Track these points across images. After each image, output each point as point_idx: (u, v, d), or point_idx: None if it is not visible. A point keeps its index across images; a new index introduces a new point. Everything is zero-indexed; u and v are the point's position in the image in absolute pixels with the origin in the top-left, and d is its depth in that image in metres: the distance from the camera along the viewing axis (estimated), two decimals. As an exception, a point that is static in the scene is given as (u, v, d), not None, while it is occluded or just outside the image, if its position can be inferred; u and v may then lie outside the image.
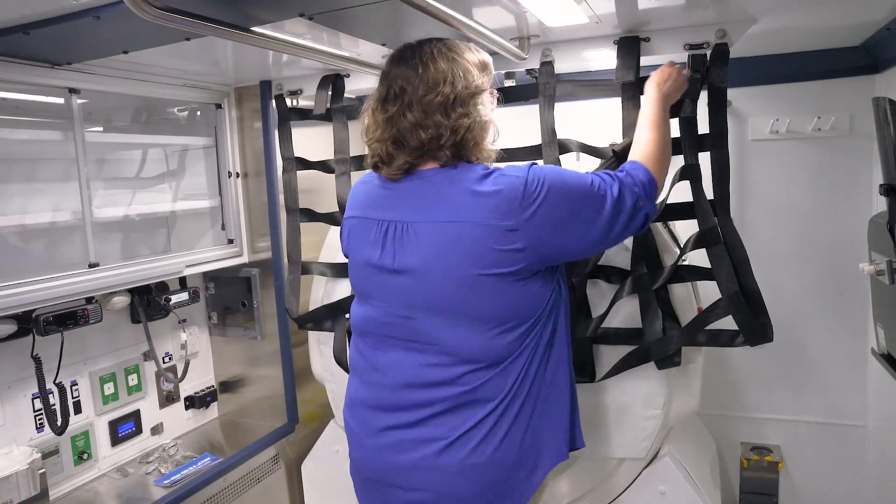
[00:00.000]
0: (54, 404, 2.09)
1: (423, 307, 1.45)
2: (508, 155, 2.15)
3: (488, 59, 1.57)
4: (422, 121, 1.42)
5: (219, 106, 2.59)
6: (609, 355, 2.04)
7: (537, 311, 1.47)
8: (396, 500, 1.51)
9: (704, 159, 1.95)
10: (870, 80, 2.49)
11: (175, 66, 2.29)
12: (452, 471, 1.44)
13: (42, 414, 2.13)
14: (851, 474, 2.70)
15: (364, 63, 2.11)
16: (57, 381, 2.08)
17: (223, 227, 2.63)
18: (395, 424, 1.49)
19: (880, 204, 2.43)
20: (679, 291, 2.02)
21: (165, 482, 2.26)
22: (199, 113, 2.65)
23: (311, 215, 2.51)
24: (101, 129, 2.32)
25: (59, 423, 2.06)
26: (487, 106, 1.51)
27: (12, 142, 2.03)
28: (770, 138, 2.64)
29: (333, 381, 2.49)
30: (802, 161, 2.63)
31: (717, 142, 1.93)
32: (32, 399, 2.11)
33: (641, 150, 1.64)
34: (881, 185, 2.22)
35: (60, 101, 2.03)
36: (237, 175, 2.65)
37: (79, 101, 2.04)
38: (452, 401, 1.45)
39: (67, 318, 2.02)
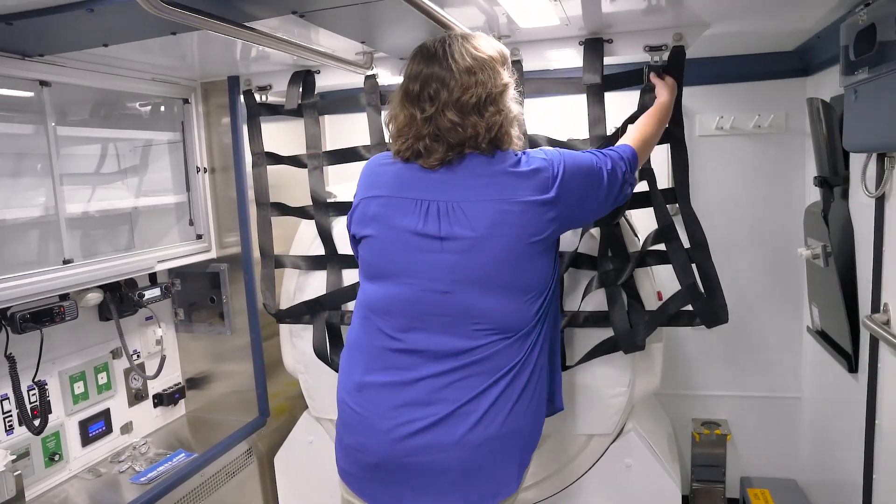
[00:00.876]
0: (33, 403, 2.04)
1: (467, 280, 1.54)
2: None
3: (506, 50, 1.68)
4: (460, 121, 1.53)
5: (186, 101, 2.57)
6: (579, 339, 2.17)
7: (550, 281, 1.65)
8: (413, 483, 1.55)
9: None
10: (801, 82, 2.72)
11: (144, 60, 2.27)
12: (473, 444, 1.52)
13: (10, 416, 2.07)
14: (788, 441, 2.95)
15: (341, 59, 2.15)
16: (36, 380, 2.03)
17: (191, 223, 2.61)
18: (414, 401, 1.54)
19: (813, 194, 2.68)
20: (644, 282, 2.18)
21: (142, 479, 2.24)
22: (162, 108, 2.62)
23: (283, 209, 2.53)
24: (56, 123, 2.26)
25: (37, 422, 2.01)
26: (513, 99, 1.63)
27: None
28: (715, 134, 2.85)
29: (307, 373, 2.52)
30: (744, 155, 2.85)
31: (676, 134, 2.09)
32: (1, 400, 2.05)
33: (636, 132, 1.90)
34: (815, 177, 2.45)
35: (31, 94, 1.98)
36: (204, 170, 2.63)
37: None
38: (472, 369, 1.54)
39: (44, 315, 1.98)
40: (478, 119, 1.54)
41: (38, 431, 2.01)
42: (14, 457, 1.92)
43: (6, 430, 2.07)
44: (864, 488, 2.10)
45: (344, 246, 2.32)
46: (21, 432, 2.10)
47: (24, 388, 2.04)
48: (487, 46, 1.61)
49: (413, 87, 1.57)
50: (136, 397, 2.59)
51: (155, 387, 2.68)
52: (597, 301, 2.15)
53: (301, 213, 2.49)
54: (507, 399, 1.57)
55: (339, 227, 2.41)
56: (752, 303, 2.92)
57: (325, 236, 2.42)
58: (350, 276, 2.39)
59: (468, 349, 1.56)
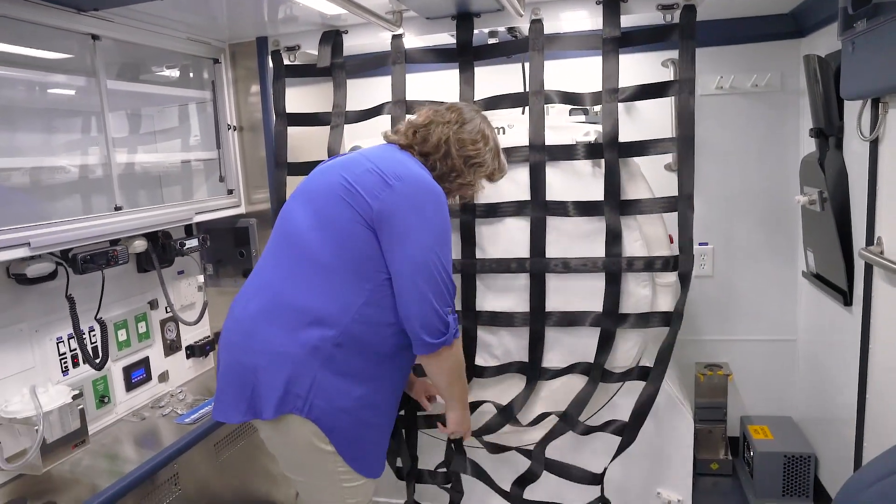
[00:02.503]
0: (95, 342, 2.17)
1: None
2: (493, 103, 2.40)
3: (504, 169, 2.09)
4: (447, 141, 1.88)
5: (216, 61, 2.67)
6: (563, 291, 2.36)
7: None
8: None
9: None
10: (796, 43, 2.91)
11: (178, 19, 2.36)
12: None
13: (65, 358, 2.18)
14: (784, 380, 3.17)
15: (375, 14, 2.27)
16: (98, 318, 2.14)
17: (221, 179, 2.72)
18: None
19: (806, 149, 2.87)
20: (656, 232, 2.35)
21: (187, 420, 2.36)
22: (191, 73, 2.71)
23: (297, 168, 2.64)
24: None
25: (98, 359, 2.12)
26: (481, 178, 2.00)
27: (35, 92, 2.07)
28: (716, 93, 3.03)
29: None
30: (743, 113, 3.03)
31: (684, 88, 2.25)
32: (57, 343, 2.15)
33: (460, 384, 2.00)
34: (811, 129, 2.64)
35: (84, 49, 2.07)
36: (234, 128, 2.74)
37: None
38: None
39: (100, 257, 2.08)
40: (454, 158, 1.88)
41: (99, 367, 2.12)
42: (77, 392, 2.03)
43: (62, 372, 2.17)
44: (858, 408, 2.30)
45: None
46: (76, 373, 2.21)
47: (86, 328, 2.18)
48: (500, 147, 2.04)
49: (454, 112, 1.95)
50: (171, 348, 2.70)
51: (187, 339, 2.79)
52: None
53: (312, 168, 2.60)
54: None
55: None
56: (750, 251, 3.12)
57: None
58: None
59: None
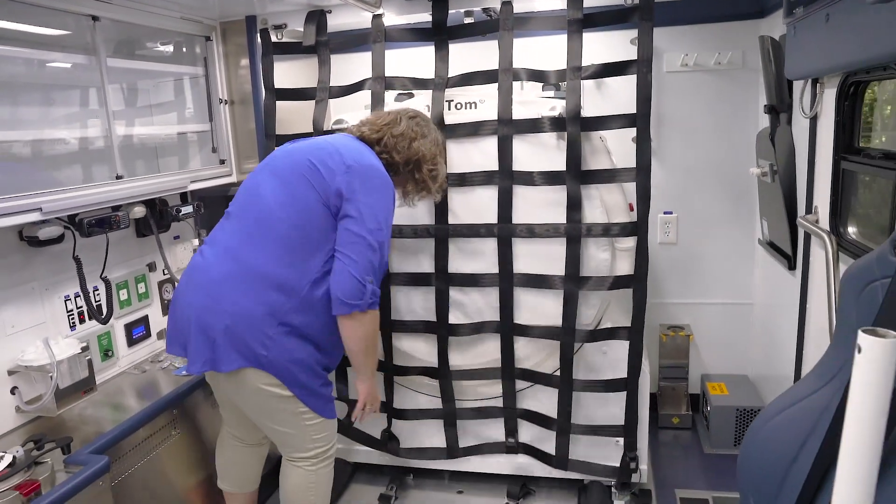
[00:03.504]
0: (99, 300, 2.39)
1: None
2: (466, 79, 2.58)
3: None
4: (418, 159, 2.18)
5: (208, 38, 2.83)
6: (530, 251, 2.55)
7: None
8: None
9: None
10: (757, 23, 3.07)
11: (171, -1, 2.53)
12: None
13: (72, 315, 2.38)
14: (741, 340, 3.41)
15: (357, -2, 2.43)
16: (103, 276, 2.34)
17: (214, 150, 2.90)
18: None
19: (763, 122, 3.05)
20: (615, 200, 2.54)
21: (184, 372, 2.57)
22: (184, 48, 2.87)
23: (285, 140, 2.80)
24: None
25: (103, 313, 2.33)
26: (432, 181, 2.24)
27: (37, 68, 2.23)
28: (681, 70, 3.20)
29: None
30: (706, 89, 3.21)
31: (642, 67, 2.42)
32: (65, 300, 2.35)
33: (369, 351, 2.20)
34: (765, 106, 2.82)
35: (85, 28, 2.24)
36: (225, 102, 2.91)
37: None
38: None
39: (104, 222, 2.27)
40: (423, 172, 2.18)
41: (105, 320, 2.33)
42: (84, 344, 2.24)
43: (70, 327, 2.37)
44: (796, 364, 2.53)
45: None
46: (83, 329, 2.42)
47: (90, 287, 2.37)
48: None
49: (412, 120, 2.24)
50: (168, 307, 2.90)
51: (184, 300, 2.99)
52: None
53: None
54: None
55: None
56: (711, 220, 3.33)
57: None
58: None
59: None
